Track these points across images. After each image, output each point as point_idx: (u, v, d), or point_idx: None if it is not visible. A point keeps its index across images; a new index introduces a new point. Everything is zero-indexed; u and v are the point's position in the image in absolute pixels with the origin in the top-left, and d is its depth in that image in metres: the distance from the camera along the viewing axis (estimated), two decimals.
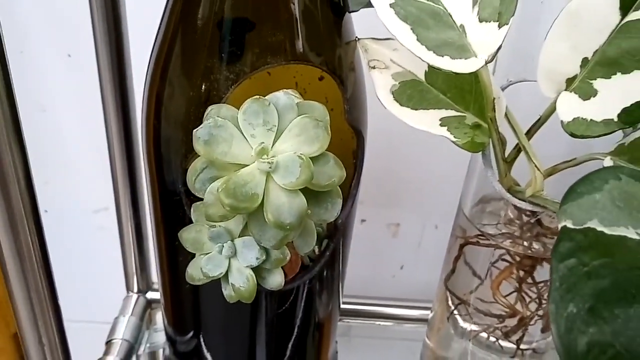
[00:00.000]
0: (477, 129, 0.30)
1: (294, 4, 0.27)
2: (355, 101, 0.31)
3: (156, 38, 0.29)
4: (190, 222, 0.28)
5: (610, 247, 0.21)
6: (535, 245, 0.33)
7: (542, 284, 0.34)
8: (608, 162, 0.27)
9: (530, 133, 0.30)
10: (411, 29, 0.27)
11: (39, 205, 0.30)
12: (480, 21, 0.27)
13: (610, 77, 0.27)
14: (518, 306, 0.34)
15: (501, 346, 0.37)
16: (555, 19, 0.27)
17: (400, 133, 0.42)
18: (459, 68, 0.26)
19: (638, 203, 0.22)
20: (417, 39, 0.27)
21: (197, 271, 0.28)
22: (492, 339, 0.37)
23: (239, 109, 0.25)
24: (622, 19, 0.26)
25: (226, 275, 0.28)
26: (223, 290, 0.29)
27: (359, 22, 0.31)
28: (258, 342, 0.36)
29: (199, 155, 0.25)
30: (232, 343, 0.37)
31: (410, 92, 0.30)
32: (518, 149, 0.31)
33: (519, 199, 0.31)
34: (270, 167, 0.24)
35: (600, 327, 0.20)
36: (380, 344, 0.53)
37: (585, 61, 0.27)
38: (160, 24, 0.29)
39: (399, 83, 0.30)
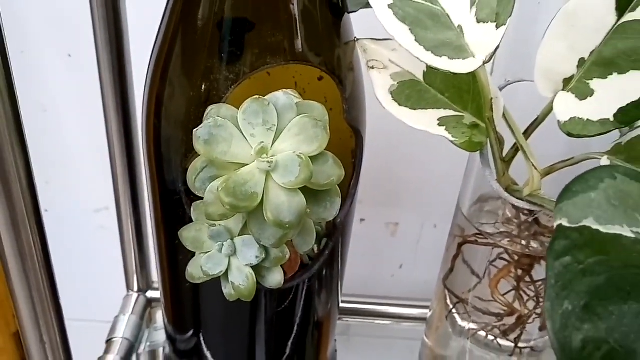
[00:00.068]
0: (475, 128, 0.30)
1: (293, 5, 0.27)
2: (354, 101, 0.31)
3: (156, 38, 0.29)
4: (190, 221, 0.28)
5: (605, 245, 0.21)
6: (533, 244, 0.33)
7: (540, 283, 0.34)
8: (605, 161, 0.27)
9: (527, 133, 0.30)
10: (409, 29, 0.27)
11: (40, 204, 0.31)
12: (478, 22, 0.27)
13: (606, 77, 0.27)
14: (516, 305, 0.34)
15: (499, 344, 0.37)
16: (553, 19, 0.27)
17: (399, 133, 0.41)
18: (457, 68, 0.26)
19: (633, 202, 0.22)
20: (416, 40, 0.27)
21: (197, 270, 0.28)
22: (491, 337, 0.37)
23: (238, 109, 0.25)
24: (618, 20, 0.26)
25: (226, 273, 0.28)
26: (223, 288, 0.29)
27: (357, 22, 0.31)
28: (258, 341, 0.36)
29: (199, 155, 0.25)
30: (232, 341, 0.37)
31: (409, 92, 0.30)
32: (516, 149, 0.31)
33: (517, 198, 0.31)
34: (269, 167, 0.24)
35: (595, 323, 0.20)
36: (379, 343, 0.53)
37: (582, 61, 0.27)
38: (161, 24, 0.29)
39: (397, 83, 0.30)
